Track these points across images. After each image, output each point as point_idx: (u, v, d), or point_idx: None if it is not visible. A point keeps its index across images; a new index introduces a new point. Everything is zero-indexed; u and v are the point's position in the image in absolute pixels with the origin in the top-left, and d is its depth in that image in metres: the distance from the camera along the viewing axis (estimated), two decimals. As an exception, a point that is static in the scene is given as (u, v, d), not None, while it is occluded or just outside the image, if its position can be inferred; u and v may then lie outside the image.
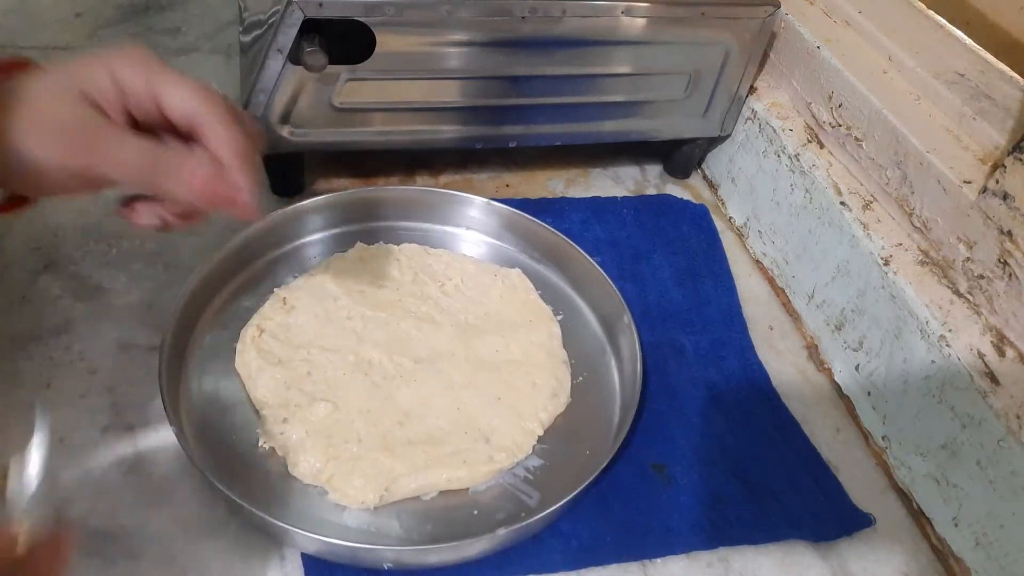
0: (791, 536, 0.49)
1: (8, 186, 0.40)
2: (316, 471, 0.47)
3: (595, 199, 0.71)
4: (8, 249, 0.58)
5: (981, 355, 0.48)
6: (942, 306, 0.52)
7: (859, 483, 0.54)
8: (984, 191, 0.50)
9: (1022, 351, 0.48)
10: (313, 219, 0.61)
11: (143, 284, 0.57)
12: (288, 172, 0.65)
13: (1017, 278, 0.48)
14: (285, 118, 0.58)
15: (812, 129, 0.66)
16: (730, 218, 0.73)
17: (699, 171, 0.78)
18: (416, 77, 0.59)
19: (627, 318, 0.55)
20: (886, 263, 0.55)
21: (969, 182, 0.51)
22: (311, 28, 0.53)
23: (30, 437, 0.30)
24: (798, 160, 0.64)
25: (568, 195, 0.71)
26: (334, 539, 0.42)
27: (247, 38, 0.60)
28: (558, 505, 0.45)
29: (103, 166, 0.38)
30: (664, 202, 0.72)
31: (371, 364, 0.52)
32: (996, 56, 0.54)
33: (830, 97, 0.63)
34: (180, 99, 0.39)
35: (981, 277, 0.50)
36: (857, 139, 0.60)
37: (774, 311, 0.65)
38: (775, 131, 0.67)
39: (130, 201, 0.42)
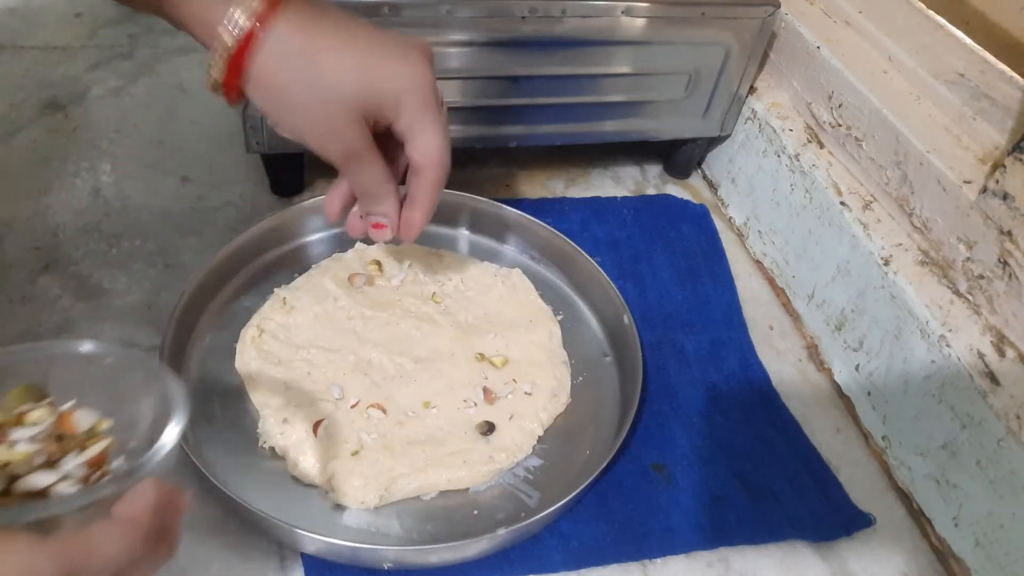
0: (791, 536, 0.50)
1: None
2: (316, 471, 0.47)
3: (595, 199, 0.71)
4: (8, 249, 0.58)
5: (981, 355, 0.48)
6: (942, 306, 0.52)
7: (859, 483, 0.54)
8: (984, 191, 0.50)
9: (1022, 351, 0.48)
10: (313, 219, 0.61)
11: (143, 284, 0.57)
12: (288, 172, 0.65)
13: (1017, 278, 0.48)
14: (285, 118, 0.58)
15: (812, 129, 0.66)
16: (730, 218, 0.73)
17: (699, 171, 0.78)
18: (416, 77, 0.59)
19: (627, 318, 0.55)
20: (886, 263, 0.55)
21: (969, 182, 0.51)
22: (311, 28, 0.53)
23: (166, 408, 0.30)
24: (798, 160, 0.64)
25: (568, 195, 0.71)
26: (334, 539, 0.42)
27: (247, 38, 0.60)
28: (558, 505, 0.45)
29: (345, 167, 0.44)
30: (664, 202, 0.72)
31: (371, 364, 0.52)
32: (996, 56, 0.54)
33: (830, 97, 0.63)
34: (417, 151, 0.44)
35: (981, 277, 0.50)
36: (857, 139, 0.60)
37: (774, 311, 0.65)
38: (775, 131, 0.67)
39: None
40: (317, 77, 0.40)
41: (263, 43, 0.39)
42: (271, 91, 0.41)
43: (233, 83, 0.40)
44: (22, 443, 0.28)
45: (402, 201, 0.47)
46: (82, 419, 0.31)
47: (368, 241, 0.60)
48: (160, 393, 0.30)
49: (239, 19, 0.38)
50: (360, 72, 0.41)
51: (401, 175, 0.47)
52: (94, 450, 0.29)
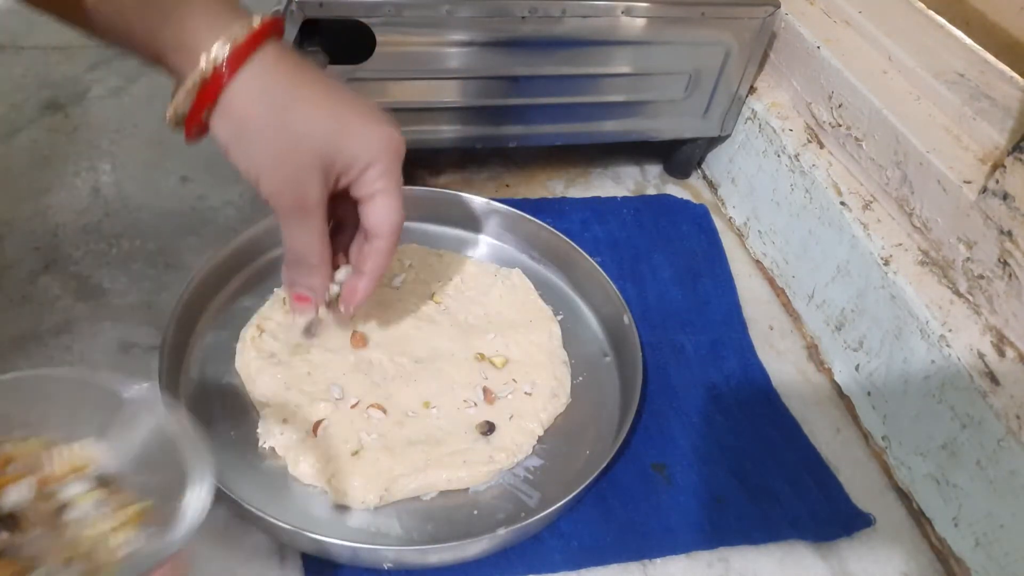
0: (791, 536, 0.50)
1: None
2: (316, 471, 0.47)
3: (595, 199, 0.71)
4: (8, 249, 0.58)
5: (981, 355, 0.48)
6: (942, 306, 0.52)
7: (859, 483, 0.54)
8: (984, 191, 0.50)
9: (1022, 351, 0.48)
10: (313, 219, 0.60)
11: (143, 284, 0.57)
12: (288, 172, 0.65)
13: (1017, 278, 0.48)
14: (285, 118, 0.58)
15: (812, 129, 0.66)
16: (730, 218, 0.73)
17: (699, 171, 0.78)
18: (416, 77, 0.59)
19: (627, 318, 0.55)
20: (886, 263, 0.55)
21: (969, 182, 0.51)
22: (311, 28, 0.53)
23: (196, 473, 0.28)
24: (798, 160, 0.64)
25: (568, 195, 0.71)
26: (334, 539, 0.42)
27: (247, 38, 0.60)
28: (558, 505, 0.45)
29: (290, 222, 0.42)
30: (664, 202, 0.72)
31: (371, 364, 0.52)
32: (996, 56, 0.54)
33: (830, 97, 0.63)
34: (375, 217, 0.43)
35: (981, 277, 0.50)
36: (857, 139, 0.60)
37: (774, 311, 0.65)
38: (775, 131, 0.67)
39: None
40: (291, 119, 0.39)
41: (242, 73, 0.38)
42: (239, 123, 0.39)
43: (198, 113, 0.39)
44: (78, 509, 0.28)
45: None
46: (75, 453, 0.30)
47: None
48: (171, 439, 0.29)
49: (220, 47, 0.37)
50: (337, 126, 0.40)
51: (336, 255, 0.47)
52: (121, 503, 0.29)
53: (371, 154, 0.41)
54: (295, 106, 0.39)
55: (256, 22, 0.38)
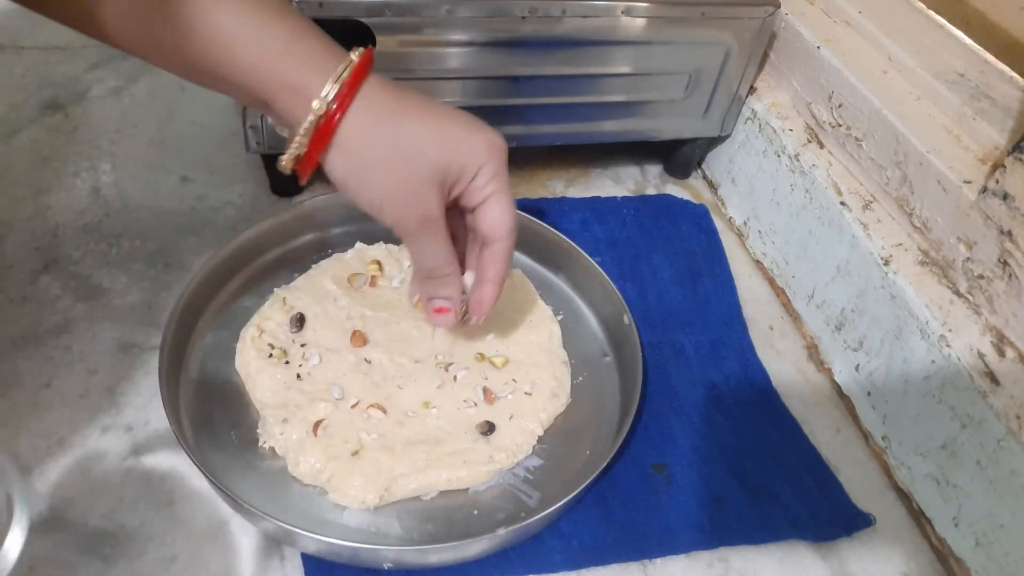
0: (791, 536, 0.50)
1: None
2: (316, 471, 0.47)
3: (595, 199, 0.71)
4: (8, 249, 0.58)
5: (981, 355, 0.48)
6: (942, 306, 0.52)
7: (859, 483, 0.54)
8: (984, 191, 0.50)
9: (1022, 351, 0.48)
10: (313, 219, 0.60)
11: (143, 284, 0.57)
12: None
13: (1017, 278, 0.48)
14: (285, 118, 0.58)
15: (812, 129, 0.66)
16: (730, 218, 0.73)
17: (699, 171, 0.78)
18: (416, 77, 0.59)
19: (627, 318, 0.55)
20: (886, 263, 0.55)
21: (969, 182, 0.51)
22: (311, 28, 0.53)
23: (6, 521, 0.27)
24: (798, 160, 0.64)
25: (568, 195, 0.71)
26: (334, 539, 0.42)
27: (247, 38, 0.60)
28: (558, 505, 0.45)
29: (417, 238, 0.44)
30: (664, 202, 0.72)
31: (371, 364, 0.52)
32: (996, 56, 0.54)
33: (830, 97, 0.63)
34: (490, 220, 0.44)
35: (981, 277, 0.50)
36: (857, 139, 0.60)
37: (774, 311, 0.65)
38: (775, 131, 0.67)
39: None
40: (403, 142, 0.41)
41: (351, 109, 0.40)
42: (355, 156, 0.41)
43: (315, 154, 0.40)
44: None
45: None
46: None
47: (370, 241, 0.60)
48: None
49: (330, 87, 0.39)
50: (445, 138, 0.42)
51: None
52: None
53: (479, 160, 0.42)
54: (404, 130, 0.41)
55: (356, 56, 0.40)
